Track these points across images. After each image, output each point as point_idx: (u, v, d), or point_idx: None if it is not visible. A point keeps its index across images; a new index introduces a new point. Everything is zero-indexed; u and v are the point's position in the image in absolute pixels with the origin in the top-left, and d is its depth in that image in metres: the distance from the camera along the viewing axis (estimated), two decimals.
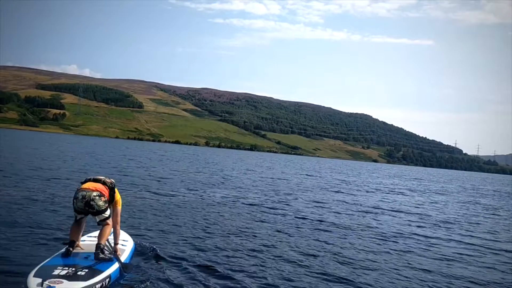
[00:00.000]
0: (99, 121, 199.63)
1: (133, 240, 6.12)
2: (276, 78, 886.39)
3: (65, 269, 4.37)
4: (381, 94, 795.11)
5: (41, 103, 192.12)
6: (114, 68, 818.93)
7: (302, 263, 6.20)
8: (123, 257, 5.20)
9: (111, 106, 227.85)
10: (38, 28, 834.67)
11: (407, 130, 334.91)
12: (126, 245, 5.69)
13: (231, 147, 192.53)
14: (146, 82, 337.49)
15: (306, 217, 10.60)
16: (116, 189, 5.33)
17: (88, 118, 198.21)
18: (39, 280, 4.08)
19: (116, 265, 4.86)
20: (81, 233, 5.26)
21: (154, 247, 6.26)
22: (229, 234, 7.90)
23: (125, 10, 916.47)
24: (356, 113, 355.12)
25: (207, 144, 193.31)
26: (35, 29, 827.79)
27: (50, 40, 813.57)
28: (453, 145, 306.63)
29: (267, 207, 11.92)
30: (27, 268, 4.51)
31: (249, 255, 6.42)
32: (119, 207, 5.37)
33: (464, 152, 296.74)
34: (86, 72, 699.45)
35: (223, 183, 18.67)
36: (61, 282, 4.04)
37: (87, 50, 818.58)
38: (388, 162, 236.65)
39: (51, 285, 3.96)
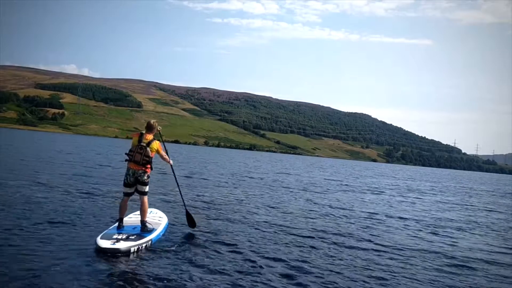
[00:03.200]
0: (98, 121, 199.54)
1: (167, 219, 7.88)
2: (275, 77, 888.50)
3: (120, 235, 6.36)
4: (380, 93, 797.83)
5: (40, 102, 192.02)
6: (113, 68, 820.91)
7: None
8: (158, 230, 6.95)
9: (110, 105, 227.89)
10: (37, 28, 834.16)
11: (406, 129, 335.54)
12: (161, 221, 7.54)
13: (230, 147, 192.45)
14: (145, 81, 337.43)
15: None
16: (152, 147, 6.76)
17: (87, 117, 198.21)
18: (104, 240, 6.02)
19: (156, 233, 6.76)
20: (126, 212, 6.96)
21: (184, 227, 7.80)
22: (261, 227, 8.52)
23: (123, 10, 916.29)
24: (355, 113, 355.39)
25: (206, 143, 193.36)
26: (34, 29, 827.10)
27: (49, 40, 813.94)
28: (452, 144, 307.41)
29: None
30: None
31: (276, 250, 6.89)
32: (161, 152, 6.99)
33: (463, 151, 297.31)
34: (85, 72, 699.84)
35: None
36: (119, 242, 6.04)
37: (86, 50, 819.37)
38: (387, 161, 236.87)
39: (114, 242, 5.99)
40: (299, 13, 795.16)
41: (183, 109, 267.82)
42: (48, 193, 10.57)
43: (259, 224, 9.05)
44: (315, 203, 13.72)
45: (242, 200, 12.99)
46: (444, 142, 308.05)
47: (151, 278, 5.08)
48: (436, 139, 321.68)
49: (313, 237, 8.16)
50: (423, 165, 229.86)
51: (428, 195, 23.01)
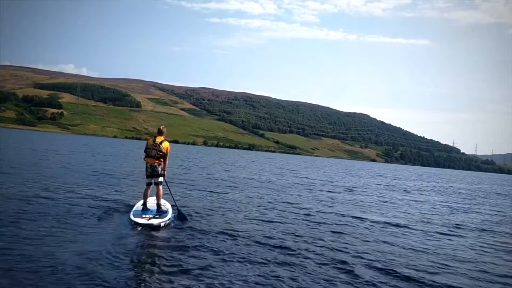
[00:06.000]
0: (97, 121, 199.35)
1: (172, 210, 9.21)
2: (274, 77, 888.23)
3: (148, 215, 8.30)
4: (378, 93, 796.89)
5: (39, 102, 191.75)
6: (111, 68, 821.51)
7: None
8: (170, 212, 8.79)
9: (109, 105, 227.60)
10: (36, 27, 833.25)
11: (405, 129, 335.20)
12: (168, 206, 9.15)
13: (229, 147, 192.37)
14: (144, 81, 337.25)
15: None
16: (163, 146, 8.64)
17: (86, 117, 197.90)
18: (139, 218, 8.05)
19: (170, 214, 8.63)
20: (148, 196, 8.88)
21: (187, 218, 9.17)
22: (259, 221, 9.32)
23: (122, 10, 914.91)
24: (354, 113, 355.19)
25: (205, 143, 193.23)
26: (33, 29, 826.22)
27: (48, 40, 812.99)
28: (451, 144, 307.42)
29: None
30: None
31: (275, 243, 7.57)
32: (169, 154, 8.84)
33: (462, 151, 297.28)
34: (83, 71, 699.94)
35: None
36: (149, 219, 8.04)
37: (84, 50, 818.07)
38: (386, 161, 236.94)
39: (148, 219, 8.00)
40: (297, 13, 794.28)
41: (182, 109, 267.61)
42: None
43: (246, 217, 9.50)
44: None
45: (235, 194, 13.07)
46: (443, 142, 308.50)
47: (177, 242, 7.07)
48: (435, 139, 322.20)
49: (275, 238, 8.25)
50: (422, 165, 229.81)
51: (415, 194, 23.09)
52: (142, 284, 5.09)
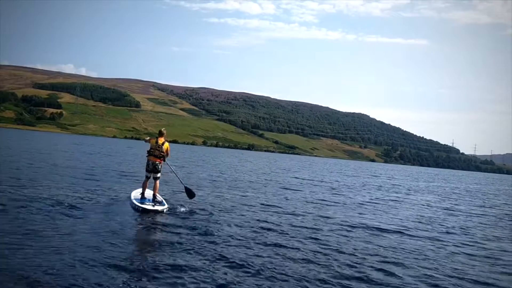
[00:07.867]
0: (97, 121, 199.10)
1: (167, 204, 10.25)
2: (274, 77, 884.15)
3: (149, 203, 9.73)
4: (378, 93, 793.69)
5: (38, 102, 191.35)
6: (110, 68, 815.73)
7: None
8: (165, 202, 10.11)
9: (108, 105, 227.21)
10: (35, 27, 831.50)
11: (404, 129, 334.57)
12: (160, 198, 10.30)
13: (228, 147, 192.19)
14: (143, 81, 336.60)
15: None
16: (164, 147, 10.10)
17: (85, 117, 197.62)
18: (142, 204, 9.46)
19: (167, 204, 9.97)
20: (146, 188, 10.28)
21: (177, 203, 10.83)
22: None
23: (121, 10, 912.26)
24: (354, 113, 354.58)
25: (204, 143, 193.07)
26: (32, 28, 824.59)
27: (47, 40, 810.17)
28: (450, 144, 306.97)
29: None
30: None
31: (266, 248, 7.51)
32: (169, 151, 10.33)
33: (461, 151, 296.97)
34: (83, 71, 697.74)
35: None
36: (155, 206, 9.57)
37: (84, 50, 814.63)
38: (386, 161, 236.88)
39: (153, 206, 9.54)
40: (296, 13, 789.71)
41: (182, 109, 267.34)
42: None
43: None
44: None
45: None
46: (442, 142, 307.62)
47: (178, 223, 8.64)
48: (434, 139, 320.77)
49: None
50: (421, 165, 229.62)
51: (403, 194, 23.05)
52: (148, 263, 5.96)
